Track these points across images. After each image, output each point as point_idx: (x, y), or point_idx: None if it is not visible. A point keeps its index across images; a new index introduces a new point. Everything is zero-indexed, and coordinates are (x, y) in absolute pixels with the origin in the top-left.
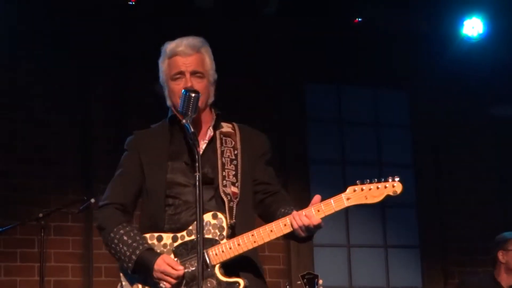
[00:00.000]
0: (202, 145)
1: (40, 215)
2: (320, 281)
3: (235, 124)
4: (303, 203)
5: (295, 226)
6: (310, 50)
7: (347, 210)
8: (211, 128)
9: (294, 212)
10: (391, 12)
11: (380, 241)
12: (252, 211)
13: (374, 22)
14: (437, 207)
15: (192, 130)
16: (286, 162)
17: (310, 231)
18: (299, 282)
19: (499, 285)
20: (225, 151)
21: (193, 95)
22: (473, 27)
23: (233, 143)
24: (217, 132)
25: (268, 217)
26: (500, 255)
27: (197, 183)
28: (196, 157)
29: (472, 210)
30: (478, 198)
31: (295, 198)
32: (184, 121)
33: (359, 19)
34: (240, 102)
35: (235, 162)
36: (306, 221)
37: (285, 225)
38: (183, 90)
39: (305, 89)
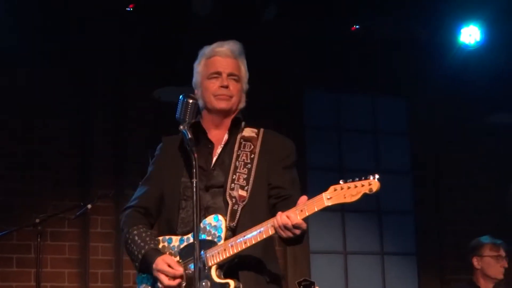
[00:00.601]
0: (218, 150)
1: (37, 220)
2: None
3: (261, 130)
4: None
5: (276, 226)
6: (309, 57)
7: (343, 217)
8: (227, 132)
9: (279, 213)
10: (389, 20)
11: (377, 248)
12: (263, 215)
13: (372, 29)
14: (434, 215)
15: (190, 136)
16: None
17: (290, 231)
18: None
19: None
20: (241, 155)
21: (190, 101)
22: (470, 35)
23: (252, 147)
24: (238, 136)
25: None
26: (475, 261)
27: (194, 189)
28: (194, 163)
29: (470, 218)
30: (476, 206)
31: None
32: (181, 127)
33: (357, 27)
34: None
35: (249, 165)
36: (285, 221)
37: (272, 226)
38: (180, 96)
39: (303, 96)
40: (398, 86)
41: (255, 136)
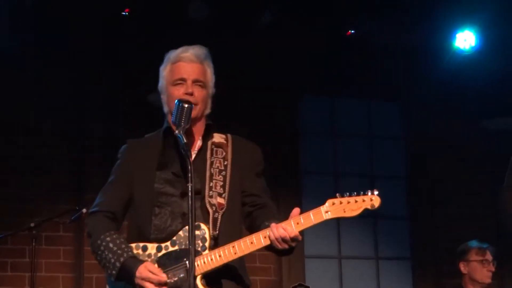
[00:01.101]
0: (192, 156)
1: (32, 224)
2: None
3: (229, 135)
4: None
5: (272, 238)
6: (303, 62)
7: (338, 222)
8: (201, 138)
9: (273, 225)
10: (384, 25)
11: (372, 252)
12: (239, 222)
13: (367, 34)
14: (429, 219)
15: (185, 141)
16: (279, 174)
17: (287, 243)
18: None
19: None
20: (214, 162)
21: (186, 105)
22: (465, 40)
23: (224, 153)
24: (209, 143)
25: (254, 230)
26: (462, 266)
27: (190, 194)
28: (189, 167)
29: (464, 222)
30: (470, 211)
31: (287, 210)
32: (176, 131)
33: (352, 32)
34: (233, 114)
35: (224, 173)
36: (283, 233)
37: (264, 237)
38: (176, 101)
39: (298, 101)
40: (393, 91)
41: (225, 142)
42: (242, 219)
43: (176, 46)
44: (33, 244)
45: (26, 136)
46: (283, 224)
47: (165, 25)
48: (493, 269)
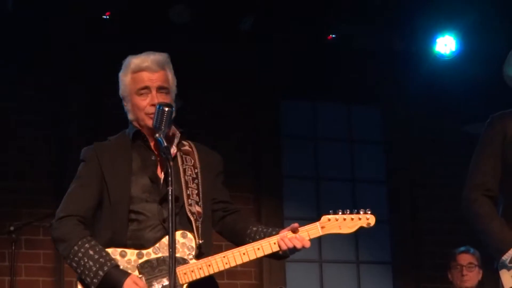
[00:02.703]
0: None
1: (11, 228)
2: None
3: (190, 142)
4: (277, 219)
5: (284, 247)
6: (285, 66)
7: None
8: (174, 146)
9: (283, 235)
10: (364, 29)
11: (353, 257)
12: (211, 230)
13: (347, 39)
14: (409, 224)
15: (165, 144)
16: (260, 178)
17: (293, 252)
18: None
19: None
20: (186, 170)
21: (166, 109)
22: (445, 44)
23: (193, 161)
24: (178, 150)
25: (233, 234)
26: (449, 275)
27: (170, 197)
28: (169, 171)
29: (445, 227)
30: (451, 215)
31: (269, 214)
32: (157, 135)
33: (333, 36)
34: (214, 118)
35: (196, 181)
36: (299, 244)
37: (258, 249)
38: (157, 105)
39: (279, 105)
40: (374, 95)
41: (190, 149)
42: (212, 225)
43: (158, 50)
44: (13, 248)
45: (6, 139)
46: (298, 234)
47: (148, 26)
48: (466, 273)
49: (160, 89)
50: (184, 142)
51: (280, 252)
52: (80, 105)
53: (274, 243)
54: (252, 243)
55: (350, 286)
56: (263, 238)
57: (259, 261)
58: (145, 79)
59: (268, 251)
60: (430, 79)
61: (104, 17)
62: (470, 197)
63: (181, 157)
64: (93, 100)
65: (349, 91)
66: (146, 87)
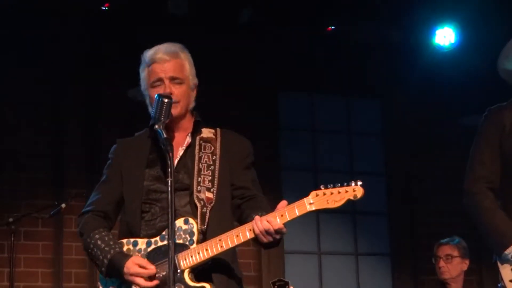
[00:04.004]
0: (180, 152)
1: (10, 219)
2: None
3: (218, 130)
4: None
5: (257, 231)
6: (283, 59)
7: (318, 217)
8: (189, 134)
9: (256, 217)
10: (363, 22)
11: (351, 248)
12: (229, 216)
13: (346, 31)
14: (408, 216)
15: (165, 136)
16: (259, 169)
17: (272, 236)
18: None
19: None
20: (203, 157)
21: (165, 100)
22: (445, 36)
23: (212, 148)
24: (197, 138)
25: (242, 222)
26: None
27: (169, 188)
28: (169, 162)
29: (443, 219)
30: (449, 207)
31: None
32: (156, 126)
33: (332, 27)
34: (212, 110)
35: (212, 167)
36: (267, 226)
37: (250, 230)
38: (156, 95)
39: (277, 97)
40: (373, 87)
41: (213, 136)
42: (232, 212)
43: (157, 42)
44: (12, 239)
45: (4, 131)
46: (267, 216)
47: (146, 21)
48: (443, 265)
49: (172, 79)
50: (209, 130)
51: (260, 239)
52: (80, 98)
53: (250, 230)
54: (246, 225)
55: (349, 277)
56: None
57: (257, 253)
58: (158, 71)
59: (245, 237)
60: (429, 71)
61: (103, 8)
62: (472, 189)
63: (199, 144)
64: (92, 92)
65: (348, 84)
66: (159, 79)
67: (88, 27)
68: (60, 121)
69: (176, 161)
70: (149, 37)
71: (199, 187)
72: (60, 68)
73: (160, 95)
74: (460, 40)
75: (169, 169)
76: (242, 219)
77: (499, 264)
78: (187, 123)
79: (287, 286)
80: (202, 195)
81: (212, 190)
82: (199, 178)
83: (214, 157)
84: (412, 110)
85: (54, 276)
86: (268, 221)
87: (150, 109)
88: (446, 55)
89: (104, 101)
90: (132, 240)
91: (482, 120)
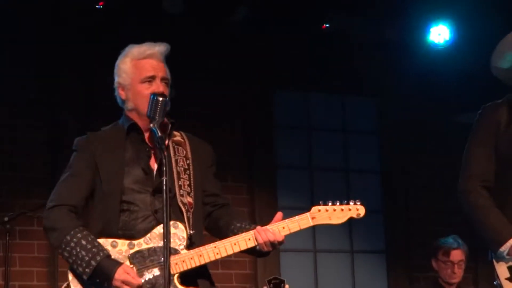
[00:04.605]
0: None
1: (5, 219)
2: (287, 286)
3: (182, 133)
4: (270, 209)
5: (260, 241)
6: (278, 56)
7: None
8: (167, 136)
9: (259, 228)
10: (358, 19)
11: (347, 246)
12: (202, 222)
13: (341, 29)
14: (403, 213)
15: (160, 134)
16: (254, 167)
17: (273, 246)
18: (265, 287)
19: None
20: (178, 160)
21: (161, 99)
22: (439, 34)
23: (184, 152)
24: (170, 141)
25: (217, 230)
26: (434, 263)
27: (164, 187)
28: (164, 161)
29: (438, 217)
30: (444, 206)
31: (262, 204)
32: (151, 125)
33: (327, 25)
34: (207, 108)
35: (188, 172)
36: (272, 237)
37: (249, 239)
38: (151, 95)
39: (272, 95)
40: (368, 85)
41: (182, 140)
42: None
43: (153, 41)
44: (7, 238)
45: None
46: (271, 227)
47: (140, 17)
48: (457, 271)
49: (163, 79)
50: (176, 133)
51: (260, 248)
52: (73, 96)
53: (249, 239)
54: (243, 234)
55: (344, 275)
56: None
57: None
58: (150, 68)
59: (244, 246)
60: (424, 69)
61: (98, 6)
62: (466, 187)
63: (173, 147)
64: (86, 90)
65: (343, 82)
66: (152, 76)
67: (82, 26)
68: (56, 119)
69: (157, 163)
70: (145, 36)
71: (181, 191)
72: (55, 66)
73: (155, 94)
74: (455, 38)
75: (164, 168)
76: (218, 227)
77: (494, 262)
78: (165, 124)
79: (282, 284)
80: (185, 200)
81: (191, 194)
82: (180, 182)
83: (188, 161)
84: (407, 107)
85: (50, 275)
86: (273, 233)
87: (130, 104)
88: (441, 52)
89: (100, 99)
90: (110, 240)
91: (477, 117)
